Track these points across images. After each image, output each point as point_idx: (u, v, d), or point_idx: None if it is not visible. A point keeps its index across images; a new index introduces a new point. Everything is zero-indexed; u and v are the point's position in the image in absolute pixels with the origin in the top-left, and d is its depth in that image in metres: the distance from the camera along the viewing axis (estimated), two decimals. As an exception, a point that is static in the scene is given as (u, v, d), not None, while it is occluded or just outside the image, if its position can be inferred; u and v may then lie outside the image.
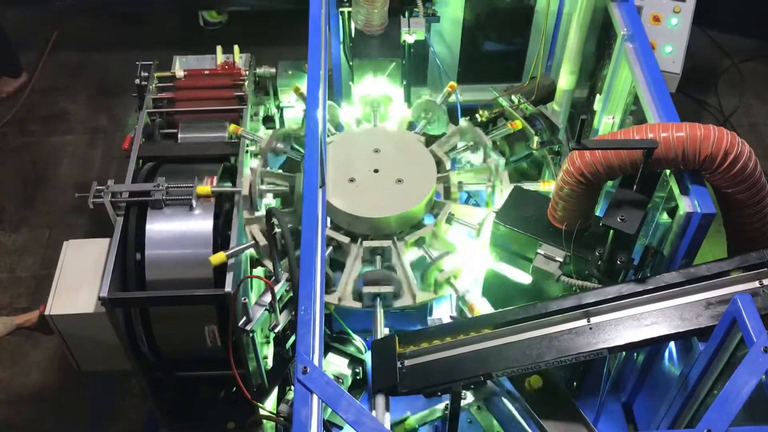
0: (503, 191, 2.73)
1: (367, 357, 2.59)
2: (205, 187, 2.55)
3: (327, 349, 2.57)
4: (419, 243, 2.59)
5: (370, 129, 2.97)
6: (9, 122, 4.84)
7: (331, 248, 2.55)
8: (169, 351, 2.69)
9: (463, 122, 2.93)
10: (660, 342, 2.14)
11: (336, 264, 2.59)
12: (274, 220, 2.27)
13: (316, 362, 1.70)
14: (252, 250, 2.64)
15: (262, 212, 2.70)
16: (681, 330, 2.03)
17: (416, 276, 2.54)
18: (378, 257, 2.56)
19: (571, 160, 2.19)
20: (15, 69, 5.01)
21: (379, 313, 2.40)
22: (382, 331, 2.39)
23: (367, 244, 2.56)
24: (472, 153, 2.89)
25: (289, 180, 2.76)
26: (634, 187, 2.14)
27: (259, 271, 2.70)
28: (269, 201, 2.84)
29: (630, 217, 2.10)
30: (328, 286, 2.45)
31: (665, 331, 2.04)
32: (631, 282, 2.12)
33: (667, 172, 2.21)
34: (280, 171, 2.84)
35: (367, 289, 2.42)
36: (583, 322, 2.10)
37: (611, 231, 2.12)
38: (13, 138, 4.81)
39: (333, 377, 2.52)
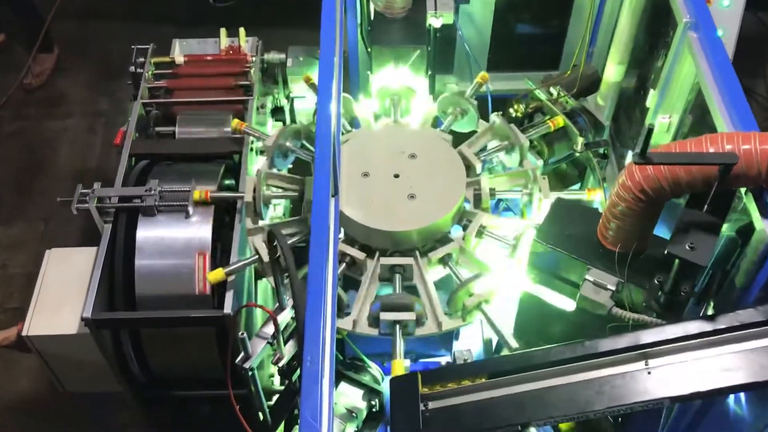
0: (542, 200, 2.39)
1: (385, 387, 2.30)
2: (201, 193, 2.26)
3: (339, 377, 2.27)
4: (445, 260, 2.27)
5: (389, 126, 2.63)
6: (4, 105, 4.55)
7: (344, 265, 2.24)
8: (162, 372, 2.43)
9: (496, 118, 2.57)
10: (733, 392, 1.83)
11: (349, 282, 2.27)
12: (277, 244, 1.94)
13: (324, 430, 1.39)
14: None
15: (266, 221, 2.39)
16: (760, 380, 1.71)
17: (441, 298, 2.22)
18: (398, 276, 2.23)
19: (629, 174, 1.85)
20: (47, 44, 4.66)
21: (399, 343, 2.08)
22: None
23: (385, 260, 2.24)
24: (506, 154, 2.55)
25: (298, 183, 2.44)
26: (705, 207, 1.80)
27: (263, 285, 2.41)
28: (276, 212, 2.54)
29: (701, 244, 1.77)
30: (341, 308, 2.14)
31: (740, 379, 1.70)
32: (698, 320, 1.79)
33: (742, 189, 1.88)
34: (287, 173, 2.52)
35: (385, 316, 2.09)
36: (640, 365, 1.78)
37: (677, 260, 1.80)
38: (8, 122, 4.53)
39: (346, 410, 2.23)
